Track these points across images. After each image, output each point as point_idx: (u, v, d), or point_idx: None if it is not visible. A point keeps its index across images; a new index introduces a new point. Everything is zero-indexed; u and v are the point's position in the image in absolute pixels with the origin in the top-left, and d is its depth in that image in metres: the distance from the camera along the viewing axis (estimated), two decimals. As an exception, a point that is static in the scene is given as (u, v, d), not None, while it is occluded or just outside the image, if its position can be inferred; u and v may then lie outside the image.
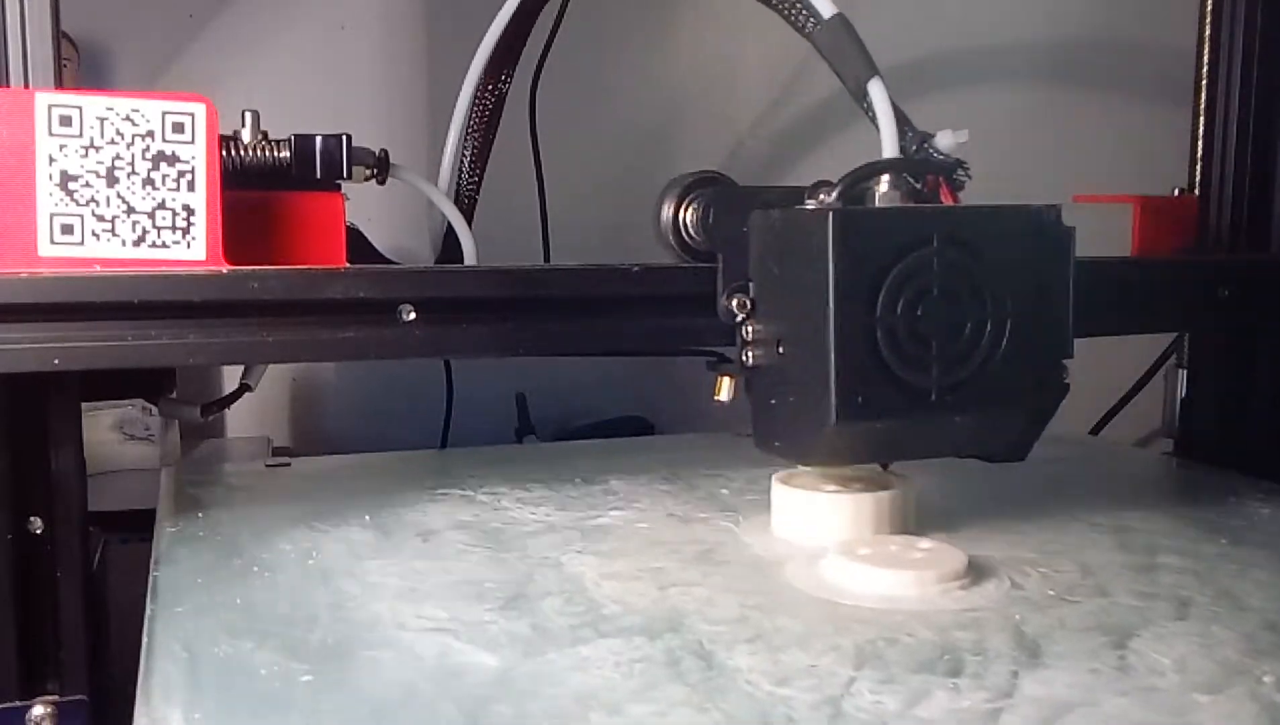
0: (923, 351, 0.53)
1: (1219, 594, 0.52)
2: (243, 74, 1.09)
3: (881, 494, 0.59)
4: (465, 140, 0.77)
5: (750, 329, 0.59)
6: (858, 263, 0.52)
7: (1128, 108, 1.34)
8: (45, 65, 0.56)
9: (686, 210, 0.65)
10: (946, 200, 0.62)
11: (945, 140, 0.64)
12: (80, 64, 1.03)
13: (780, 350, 0.56)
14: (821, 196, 0.57)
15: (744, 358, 0.59)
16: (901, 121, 0.64)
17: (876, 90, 0.64)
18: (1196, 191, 0.83)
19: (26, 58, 0.56)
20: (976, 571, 0.53)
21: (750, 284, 0.59)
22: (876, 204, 0.57)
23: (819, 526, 0.59)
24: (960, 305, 0.54)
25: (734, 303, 0.59)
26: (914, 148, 0.64)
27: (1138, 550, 0.59)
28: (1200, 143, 0.83)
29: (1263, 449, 0.80)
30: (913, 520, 0.60)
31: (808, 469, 0.61)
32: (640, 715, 0.39)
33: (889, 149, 0.64)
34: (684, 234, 0.65)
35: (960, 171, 0.63)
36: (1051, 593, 0.52)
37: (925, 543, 0.55)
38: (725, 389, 0.62)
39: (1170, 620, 0.49)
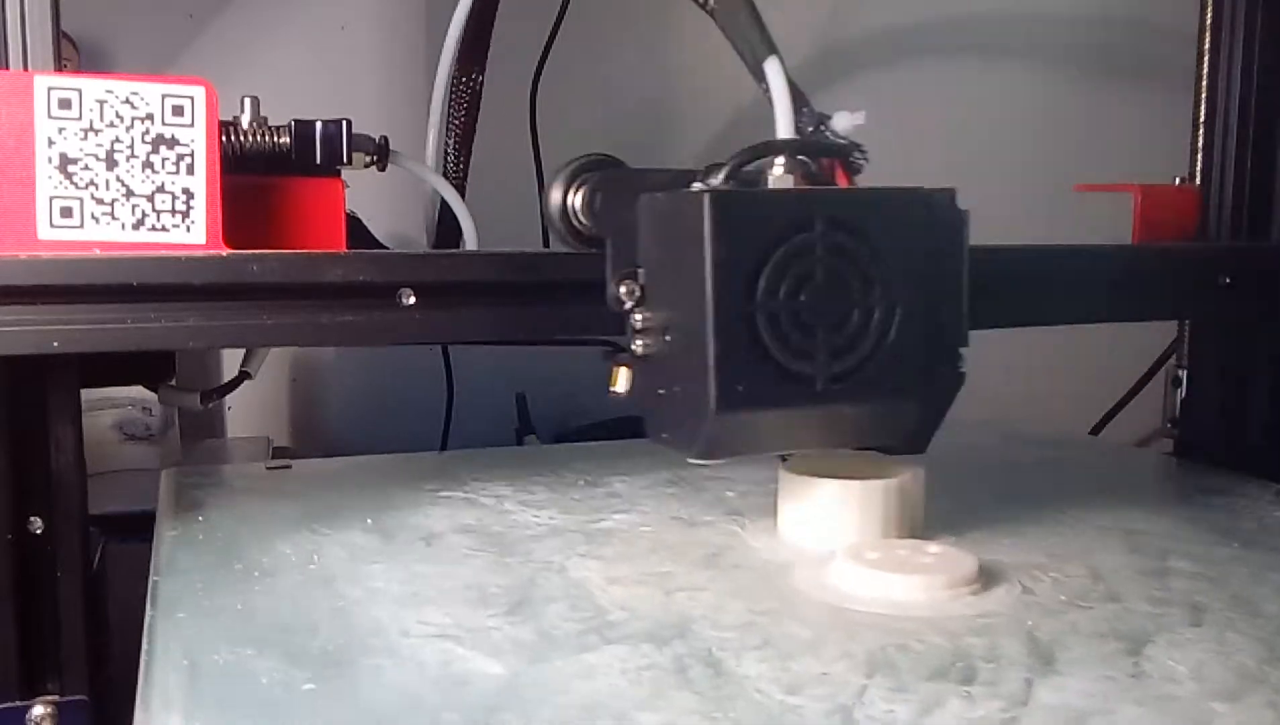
0: (807, 339, 0.51)
1: (1233, 599, 0.51)
2: (242, 74, 1.09)
3: (890, 483, 0.58)
4: (447, 131, 0.78)
5: (639, 317, 0.56)
6: (737, 246, 0.50)
7: (1129, 95, 1.34)
8: (45, 53, 0.56)
9: (575, 194, 0.63)
10: (842, 184, 0.60)
11: (842, 121, 0.62)
12: (80, 64, 1.03)
13: (667, 338, 0.54)
14: (711, 179, 0.55)
15: (633, 347, 0.56)
16: (798, 101, 0.63)
17: (773, 69, 0.62)
18: (1198, 181, 0.83)
19: (26, 49, 0.55)
20: (987, 576, 0.52)
21: (639, 271, 0.56)
22: (770, 187, 0.55)
23: (827, 516, 0.58)
24: (846, 291, 0.52)
25: (622, 290, 0.56)
26: (810, 129, 0.62)
27: (1149, 554, 0.58)
28: (1201, 131, 0.82)
29: (1263, 449, 0.80)
30: (921, 511, 0.60)
31: (815, 459, 0.60)
32: None
33: (784, 130, 0.62)
34: (572, 219, 0.64)
35: (857, 154, 0.61)
36: (1063, 598, 0.51)
37: (934, 547, 0.55)
38: (622, 379, 0.59)
39: (1185, 626, 0.48)
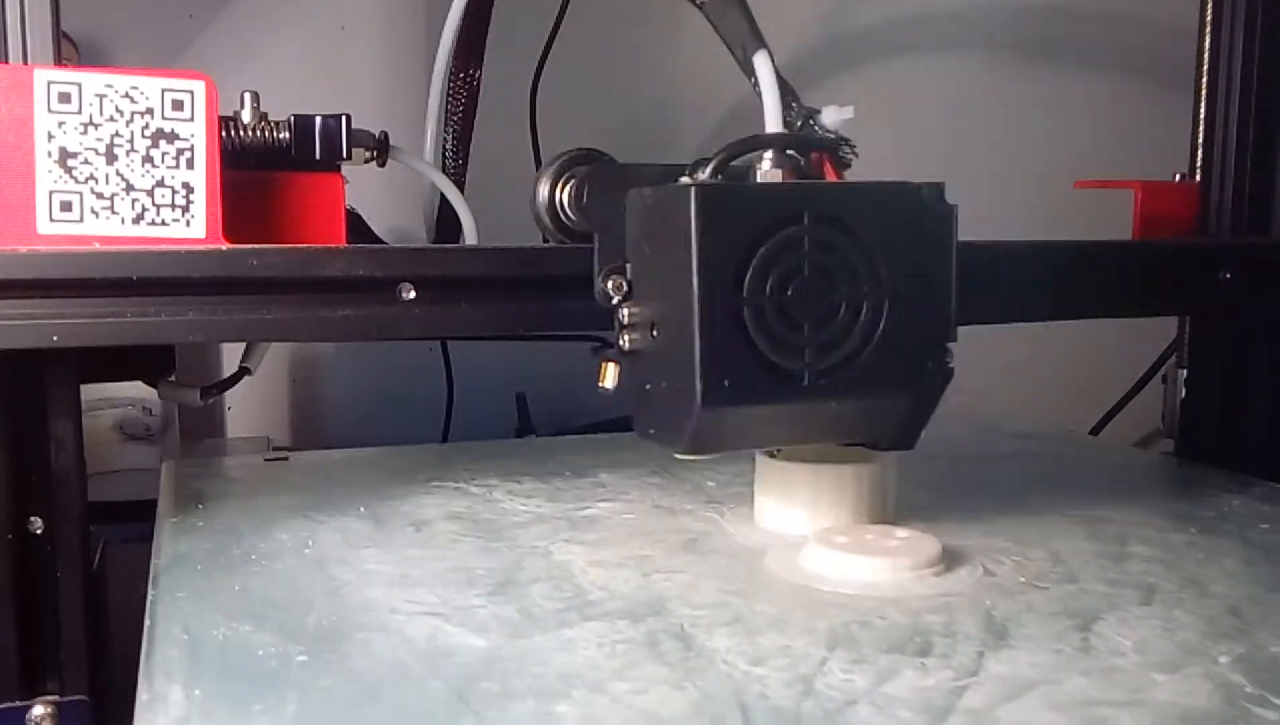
0: (794, 334, 0.52)
1: (1185, 581, 0.54)
2: (242, 74, 1.10)
3: (862, 467, 0.60)
4: (445, 128, 0.79)
5: (627, 312, 0.56)
6: (723, 240, 0.50)
7: (1130, 91, 1.35)
8: (45, 52, 0.56)
9: (563, 189, 0.63)
10: (831, 179, 0.60)
11: (831, 116, 0.62)
12: (80, 64, 1.04)
13: (654, 333, 0.54)
14: (697, 174, 0.55)
15: (620, 342, 0.56)
16: (787, 96, 0.63)
17: (762, 63, 0.63)
18: (1197, 176, 0.83)
19: (26, 48, 0.56)
20: (951, 559, 0.55)
21: (627, 265, 0.57)
22: (758, 181, 0.56)
23: (800, 500, 0.60)
24: (833, 286, 0.52)
25: (610, 285, 0.57)
26: (799, 123, 0.62)
27: (1109, 540, 0.60)
28: (1201, 127, 0.83)
29: (1263, 449, 0.81)
30: (893, 497, 0.62)
31: (793, 448, 0.62)
32: (620, 692, 0.41)
33: (773, 124, 0.62)
34: (560, 214, 0.64)
35: (845, 149, 0.61)
36: (1022, 579, 0.54)
37: (902, 532, 0.57)
38: (610, 375, 0.59)
39: (1135, 605, 0.50)
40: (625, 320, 0.57)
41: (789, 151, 0.57)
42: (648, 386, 0.55)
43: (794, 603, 0.50)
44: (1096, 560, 0.57)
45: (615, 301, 0.57)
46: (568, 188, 0.64)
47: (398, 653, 0.45)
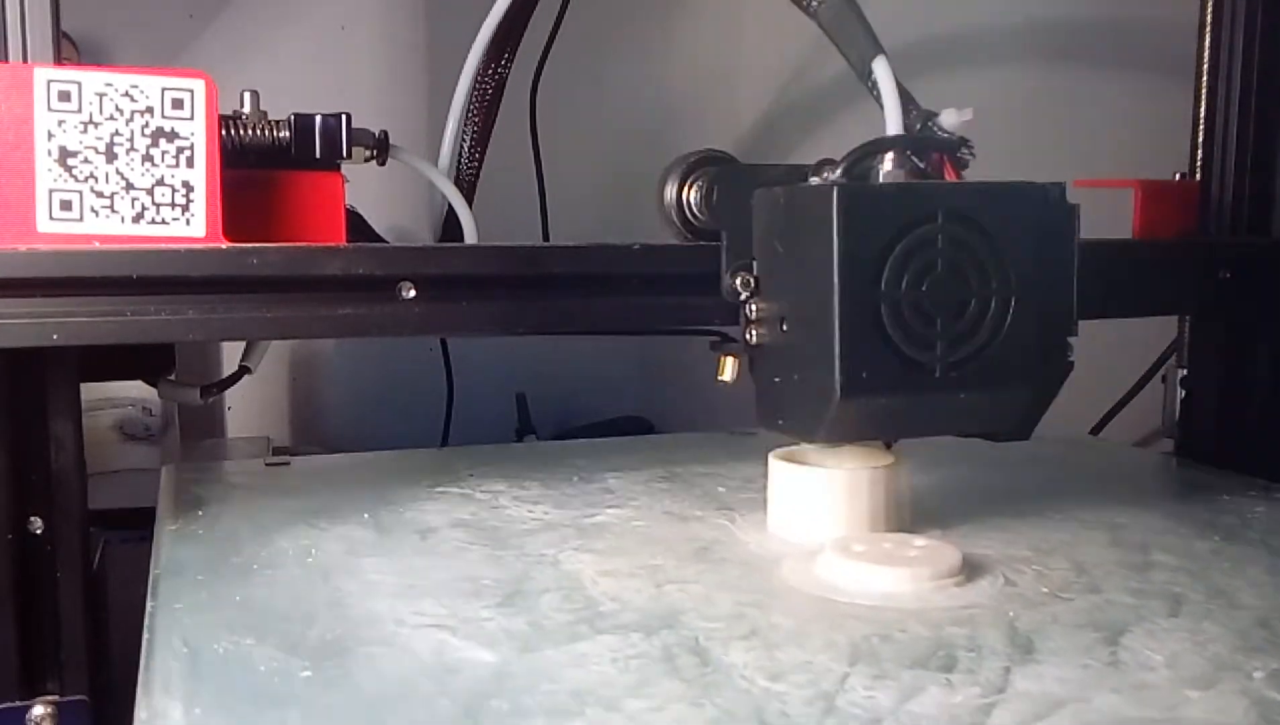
0: (927, 328, 0.54)
1: (1212, 591, 0.52)
2: (243, 74, 1.09)
3: (878, 471, 0.59)
4: (466, 124, 0.78)
5: (754, 307, 0.59)
6: (862, 238, 0.52)
7: (1130, 90, 1.35)
8: (45, 52, 0.56)
9: (690, 189, 0.65)
10: (950, 178, 0.62)
11: (950, 118, 0.64)
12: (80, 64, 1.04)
13: (784, 328, 0.57)
14: (825, 174, 0.57)
15: (748, 336, 0.59)
16: (906, 100, 0.64)
17: (881, 68, 0.64)
18: (1198, 176, 0.83)
19: (26, 47, 0.56)
20: (971, 569, 0.53)
21: (754, 262, 0.59)
22: (880, 181, 0.57)
23: (814, 505, 0.59)
24: (965, 282, 0.54)
25: (738, 281, 0.59)
26: (918, 126, 0.64)
27: (1132, 548, 0.59)
28: (1201, 126, 0.83)
29: (1263, 449, 0.80)
30: (908, 501, 0.61)
31: (802, 452, 0.61)
32: (636, 710, 0.40)
33: (893, 127, 0.63)
34: (687, 213, 0.66)
35: (964, 150, 0.63)
36: (1045, 590, 0.52)
37: (920, 540, 0.56)
38: (729, 369, 0.62)
39: (1163, 617, 0.49)
40: (752, 315, 0.59)
41: (908, 153, 0.59)
42: (777, 379, 0.57)
43: (812, 615, 0.49)
44: (1120, 570, 0.55)
45: (743, 297, 0.59)
46: (694, 188, 0.66)
47: (404, 668, 0.43)
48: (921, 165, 0.60)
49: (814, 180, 0.58)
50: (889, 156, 0.57)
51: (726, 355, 0.62)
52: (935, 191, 0.55)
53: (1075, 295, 0.57)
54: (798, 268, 0.55)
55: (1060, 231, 0.56)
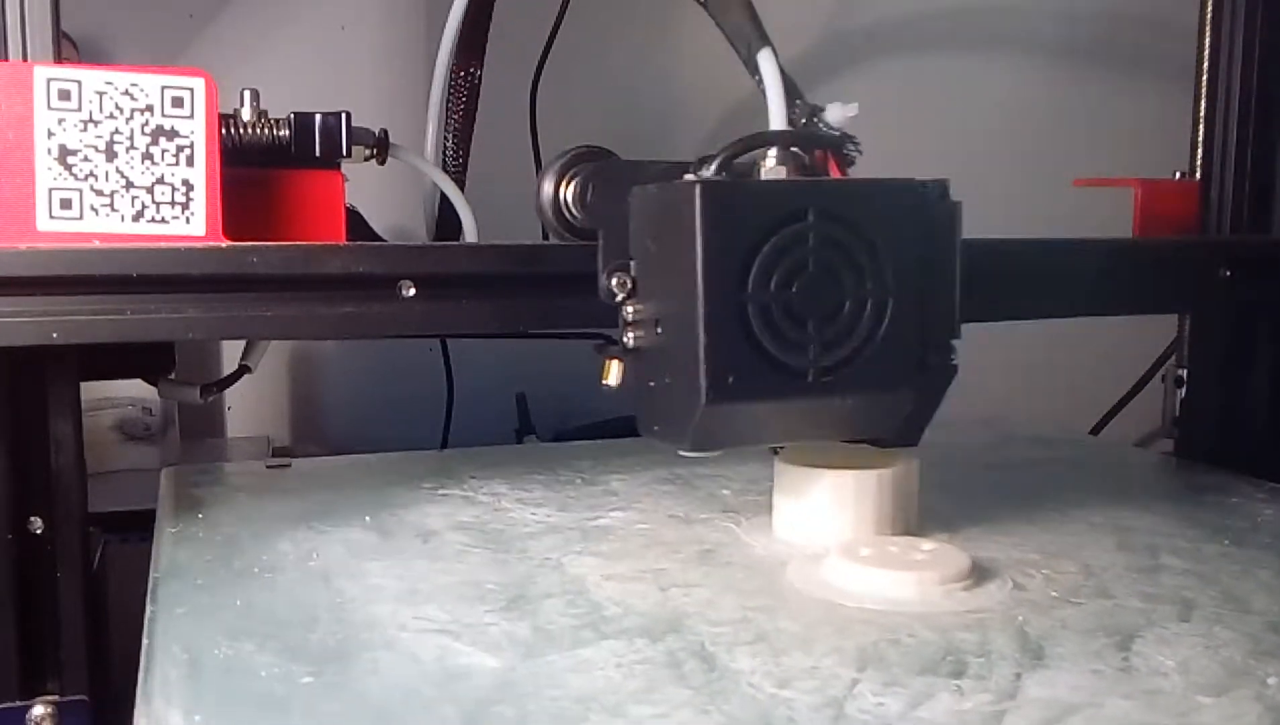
0: (798, 331, 0.51)
1: (1223, 595, 0.52)
2: (242, 74, 1.09)
3: (885, 473, 0.58)
4: (445, 126, 0.78)
5: (630, 309, 0.56)
6: (728, 237, 0.50)
7: (1130, 89, 1.35)
8: (45, 52, 0.56)
9: (567, 187, 0.63)
10: (835, 176, 0.60)
11: (835, 113, 0.62)
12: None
13: (659, 330, 0.54)
14: (701, 171, 0.55)
15: (625, 339, 0.56)
16: (791, 93, 0.63)
17: (766, 61, 0.63)
18: (1198, 175, 0.83)
19: (26, 47, 0.55)
20: (979, 573, 0.53)
21: (631, 263, 0.56)
22: (762, 178, 0.55)
23: (822, 507, 0.58)
24: (838, 282, 0.52)
25: (614, 282, 0.56)
26: (803, 120, 0.62)
27: (1140, 551, 0.58)
28: (1202, 125, 0.83)
29: (1263, 449, 0.80)
30: (915, 503, 0.60)
31: (812, 452, 0.61)
32: (642, 717, 0.39)
33: (776, 121, 0.62)
34: (564, 211, 0.63)
35: (850, 146, 0.61)
36: (1054, 594, 0.52)
37: (927, 544, 0.55)
38: (613, 373, 0.59)
39: (1174, 622, 0.48)
40: (629, 317, 0.56)
41: (793, 149, 0.57)
42: (651, 383, 0.55)
43: (819, 619, 0.48)
44: (1129, 573, 0.55)
45: (619, 299, 0.56)
46: (572, 185, 0.63)
47: (407, 674, 0.43)
48: (807, 162, 0.57)
49: (689, 177, 0.55)
50: (771, 153, 0.55)
51: (611, 358, 0.59)
52: (806, 188, 0.53)
53: (958, 296, 0.54)
54: (668, 268, 0.53)
55: (941, 230, 0.54)
